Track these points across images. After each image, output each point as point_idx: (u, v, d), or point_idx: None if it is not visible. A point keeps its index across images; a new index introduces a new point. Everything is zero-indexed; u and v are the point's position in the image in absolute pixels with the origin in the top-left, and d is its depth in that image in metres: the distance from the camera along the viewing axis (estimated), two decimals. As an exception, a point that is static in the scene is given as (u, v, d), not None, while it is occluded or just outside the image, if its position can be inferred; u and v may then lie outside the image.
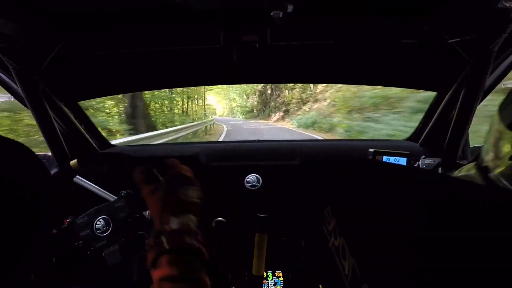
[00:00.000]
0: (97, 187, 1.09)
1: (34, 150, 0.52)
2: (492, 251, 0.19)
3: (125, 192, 0.99)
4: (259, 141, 1.69)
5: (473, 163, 0.52)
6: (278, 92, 25.35)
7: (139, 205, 0.96)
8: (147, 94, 11.42)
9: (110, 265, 0.90)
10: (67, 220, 0.96)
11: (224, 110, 47.13)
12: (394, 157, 1.18)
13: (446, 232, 0.21)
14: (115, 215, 0.93)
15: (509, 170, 0.43)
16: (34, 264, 0.50)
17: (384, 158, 1.18)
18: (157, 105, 13.59)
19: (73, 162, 0.93)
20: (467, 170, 0.53)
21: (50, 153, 1.22)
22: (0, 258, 0.44)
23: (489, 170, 0.47)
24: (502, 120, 0.44)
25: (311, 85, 17.75)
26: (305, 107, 18.87)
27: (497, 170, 0.45)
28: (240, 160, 1.46)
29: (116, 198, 1.01)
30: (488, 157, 0.48)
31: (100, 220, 0.92)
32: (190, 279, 0.53)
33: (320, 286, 0.80)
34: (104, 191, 1.06)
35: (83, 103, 1.45)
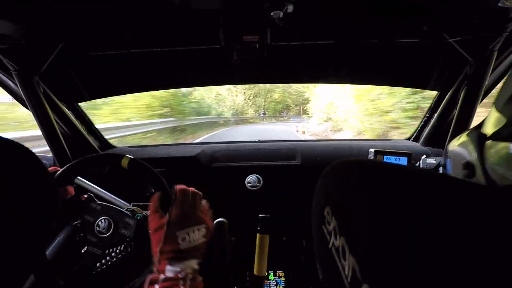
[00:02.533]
0: (98, 187, 1.09)
1: (34, 151, 0.52)
2: (492, 251, 0.19)
3: (141, 216, 0.94)
4: (259, 141, 1.69)
5: (466, 133, 0.51)
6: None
7: (145, 235, 0.92)
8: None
9: (84, 264, 0.88)
10: (85, 196, 0.95)
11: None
12: (395, 157, 1.18)
13: (447, 232, 0.21)
14: (119, 227, 0.90)
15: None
16: (34, 264, 0.50)
17: (385, 158, 1.18)
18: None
19: (123, 160, 0.89)
20: (465, 137, 0.52)
21: (50, 154, 1.22)
22: (0, 258, 0.44)
23: (485, 138, 0.46)
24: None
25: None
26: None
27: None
28: (241, 161, 1.46)
29: (128, 208, 0.97)
30: (492, 123, 0.46)
31: (105, 220, 0.91)
32: None
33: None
34: (105, 192, 1.06)
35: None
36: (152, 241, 0.64)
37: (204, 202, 0.74)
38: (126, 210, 0.95)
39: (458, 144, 0.56)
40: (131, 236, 0.89)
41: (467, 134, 0.51)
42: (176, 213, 0.64)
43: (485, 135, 0.46)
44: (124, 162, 0.86)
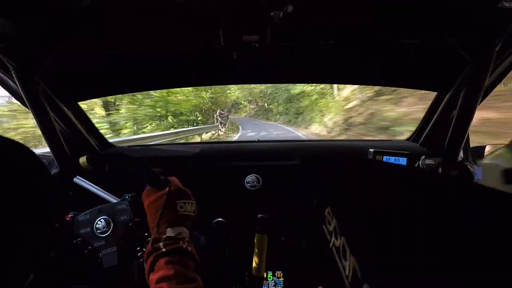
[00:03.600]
0: (97, 187, 1.09)
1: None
2: (491, 251, 0.19)
3: (129, 195, 0.98)
4: (259, 141, 1.69)
5: (503, 146, 0.53)
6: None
7: (141, 210, 0.95)
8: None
9: (105, 266, 0.90)
10: (69, 215, 0.96)
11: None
12: (394, 157, 1.18)
13: (446, 232, 0.21)
14: (116, 217, 0.92)
15: None
16: (33, 264, 0.50)
17: (384, 158, 1.18)
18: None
19: (82, 160, 0.92)
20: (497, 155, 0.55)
21: (50, 154, 1.22)
22: (0, 258, 0.44)
23: None
24: None
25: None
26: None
27: None
28: (240, 161, 1.45)
29: (119, 200, 1.00)
30: None
31: (101, 220, 0.92)
32: (185, 279, 0.57)
33: (321, 287, 0.80)
34: (104, 192, 1.06)
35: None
36: (148, 212, 0.71)
37: None
38: (118, 202, 0.97)
39: (495, 155, 0.60)
40: (132, 217, 0.92)
41: (506, 147, 0.55)
42: (176, 187, 0.73)
43: None
44: (83, 161, 0.90)
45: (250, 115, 34.79)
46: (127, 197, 0.98)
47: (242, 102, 38.68)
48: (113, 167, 1.28)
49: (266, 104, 30.38)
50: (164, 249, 0.60)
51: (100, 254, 0.90)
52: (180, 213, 0.68)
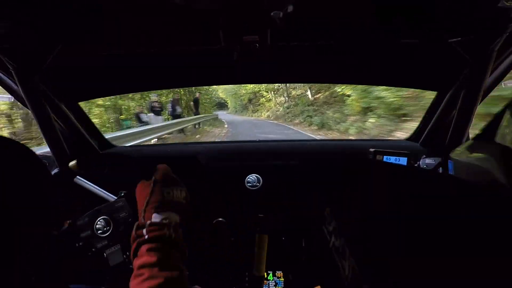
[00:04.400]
0: (98, 187, 1.09)
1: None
2: (490, 251, 0.19)
3: (124, 192, 0.99)
4: (259, 141, 1.69)
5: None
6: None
7: None
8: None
9: (112, 265, 0.90)
10: (67, 222, 0.96)
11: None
12: (394, 157, 1.18)
13: (446, 233, 0.21)
14: (116, 215, 0.93)
15: None
16: (34, 265, 0.50)
17: (385, 158, 1.18)
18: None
19: (72, 163, 0.93)
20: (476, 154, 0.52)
21: (50, 154, 1.22)
22: (0, 258, 0.44)
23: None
24: None
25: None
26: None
27: None
28: (240, 160, 1.46)
29: (116, 198, 1.01)
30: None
31: (101, 220, 0.92)
32: (167, 267, 0.56)
33: (319, 287, 0.80)
34: (105, 192, 1.06)
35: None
36: (138, 202, 0.70)
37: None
38: (115, 200, 0.98)
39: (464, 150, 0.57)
40: (131, 213, 0.93)
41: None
42: (161, 175, 0.72)
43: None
44: (73, 165, 0.90)
45: (276, 116, 21.71)
46: (122, 194, 0.98)
47: (264, 93, 26.35)
48: (109, 168, 1.28)
49: (309, 95, 17.40)
50: (146, 236, 0.60)
51: (105, 254, 0.91)
52: (166, 198, 0.67)
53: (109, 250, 0.91)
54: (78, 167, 0.94)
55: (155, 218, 0.63)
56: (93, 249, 0.91)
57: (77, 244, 0.93)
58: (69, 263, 0.93)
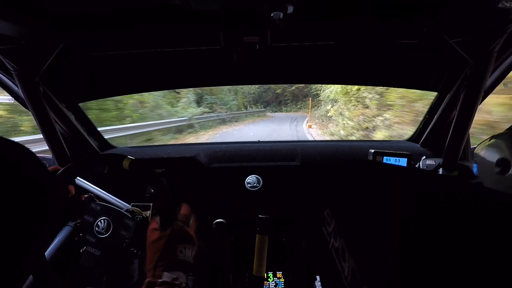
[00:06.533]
0: (98, 188, 1.09)
1: (34, 151, 0.52)
2: (491, 255, 0.18)
3: (140, 217, 0.94)
4: (259, 142, 1.69)
5: (494, 136, 0.51)
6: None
7: (145, 233, 0.92)
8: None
9: (81, 263, 0.88)
10: (85, 196, 0.95)
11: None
12: (394, 158, 1.18)
13: (447, 235, 0.21)
14: (118, 228, 0.90)
15: None
16: (34, 266, 0.50)
17: (385, 159, 1.18)
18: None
19: (125, 162, 0.87)
20: (486, 141, 0.53)
21: (50, 155, 1.22)
22: (0, 259, 0.44)
23: None
24: None
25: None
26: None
27: None
28: (241, 161, 1.46)
29: (128, 209, 0.97)
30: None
31: (105, 220, 0.90)
32: None
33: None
34: (105, 192, 1.06)
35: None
36: (148, 250, 0.68)
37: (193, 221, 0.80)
38: (126, 211, 0.94)
39: (487, 145, 0.57)
40: (130, 237, 0.89)
41: (497, 136, 0.52)
42: (179, 229, 0.70)
43: None
44: (126, 164, 0.85)
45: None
46: (138, 218, 0.92)
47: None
48: (115, 169, 1.27)
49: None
50: None
51: (84, 248, 0.89)
52: (179, 258, 0.66)
53: (90, 248, 0.88)
54: (129, 168, 0.88)
55: (166, 277, 0.62)
56: (80, 235, 0.90)
57: (74, 223, 0.92)
58: (64, 257, 0.92)
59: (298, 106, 28.56)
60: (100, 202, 0.94)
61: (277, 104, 32.01)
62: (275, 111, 29.55)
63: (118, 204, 1.01)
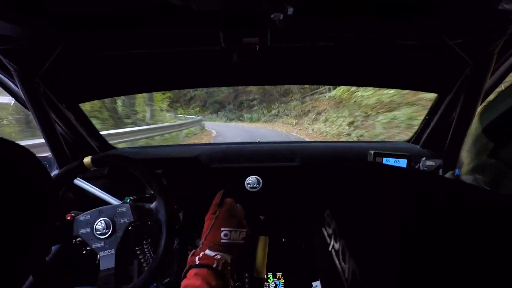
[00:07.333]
0: (97, 188, 1.09)
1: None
2: (491, 254, 0.18)
3: (131, 198, 0.98)
4: (259, 142, 1.69)
5: (451, 172, 0.52)
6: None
7: (142, 214, 0.95)
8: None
9: (102, 269, 0.89)
10: (71, 214, 0.96)
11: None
12: (394, 159, 1.17)
13: (447, 235, 0.21)
14: (117, 219, 0.92)
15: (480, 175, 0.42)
16: (33, 266, 0.50)
17: (384, 160, 1.18)
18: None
19: (86, 159, 0.93)
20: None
21: (50, 155, 1.22)
22: (1, 259, 0.44)
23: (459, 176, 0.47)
24: (480, 125, 0.44)
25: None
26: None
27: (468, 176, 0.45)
28: (240, 162, 1.45)
29: (120, 202, 1.00)
30: (463, 161, 0.47)
31: (101, 221, 0.91)
32: None
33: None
34: (104, 193, 1.06)
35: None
36: (205, 224, 0.78)
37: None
38: (119, 204, 0.97)
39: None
40: (133, 220, 0.92)
41: None
42: (224, 214, 0.78)
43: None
44: (88, 162, 0.91)
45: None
46: (128, 200, 0.98)
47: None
48: (115, 169, 1.28)
49: None
50: (198, 262, 0.68)
51: (98, 256, 0.90)
52: (222, 241, 0.73)
53: (103, 252, 0.90)
54: (92, 163, 0.93)
55: (209, 252, 0.70)
56: (88, 248, 0.91)
57: (74, 241, 0.92)
58: (64, 258, 0.92)
59: (273, 112, 16.83)
60: (87, 212, 0.95)
61: (237, 106, 19.58)
62: (230, 119, 18.49)
63: (113, 201, 1.02)
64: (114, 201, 1.03)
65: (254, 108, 17.79)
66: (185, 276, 0.67)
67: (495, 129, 0.41)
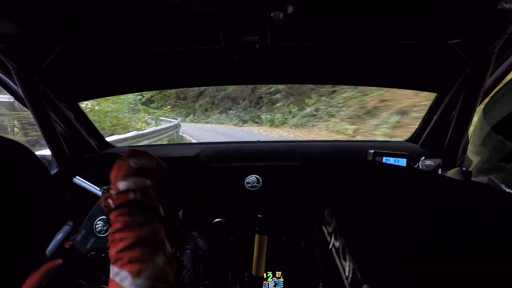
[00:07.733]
0: (96, 187, 1.09)
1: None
2: (492, 255, 0.19)
3: (104, 187, 0.97)
4: (259, 142, 1.69)
5: (457, 168, 0.51)
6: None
7: None
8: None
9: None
10: (67, 243, 0.95)
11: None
12: (394, 158, 1.18)
13: (446, 233, 0.21)
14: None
15: (494, 174, 0.42)
16: (34, 265, 0.50)
17: (384, 159, 1.18)
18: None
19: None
20: (453, 174, 0.52)
21: (50, 154, 1.22)
22: (1, 258, 0.44)
23: (471, 175, 0.47)
24: (487, 122, 0.44)
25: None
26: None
27: (481, 175, 0.44)
28: (240, 161, 1.46)
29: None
30: (473, 160, 0.47)
31: (98, 222, 0.91)
32: (135, 227, 0.58)
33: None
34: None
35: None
36: (110, 180, 0.70)
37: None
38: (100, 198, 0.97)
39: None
40: None
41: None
42: (130, 151, 0.72)
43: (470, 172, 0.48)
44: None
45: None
46: (105, 188, 0.96)
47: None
48: (108, 169, 1.27)
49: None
50: (113, 206, 0.62)
51: (103, 255, 0.90)
52: (134, 167, 0.66)
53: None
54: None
55: (120, 185, 0.63)
56: (106, 251, 0.90)
57: (88, 255, 0.91)
58: (85, 269, 0.91)
59: (308, 110, 10.35)
60: (79, 230, 0.94)
61: (254, 103, 14.05)
62: (244, 121, 13.01)
63: None
64: None
65: (277, 105, 12.09)
66: (110, 224, 0.61)
67: (508, 126, 0.40)
